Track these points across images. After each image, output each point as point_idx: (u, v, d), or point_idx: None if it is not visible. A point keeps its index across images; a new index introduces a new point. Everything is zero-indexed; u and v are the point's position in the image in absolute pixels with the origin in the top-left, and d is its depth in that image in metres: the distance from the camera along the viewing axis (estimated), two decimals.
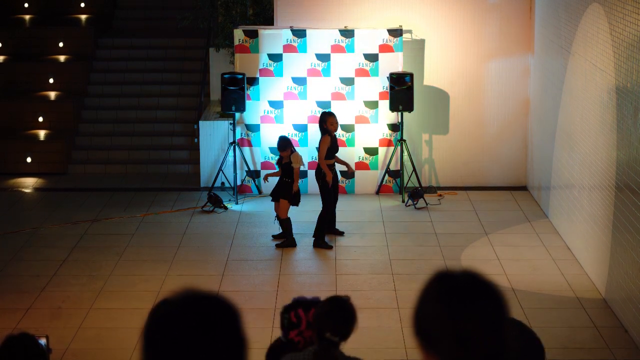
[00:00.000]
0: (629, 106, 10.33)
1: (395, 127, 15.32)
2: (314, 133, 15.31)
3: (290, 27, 15.35)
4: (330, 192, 13.12)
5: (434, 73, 15.60)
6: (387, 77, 15.06)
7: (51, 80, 18.47)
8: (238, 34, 15.34)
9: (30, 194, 15.82)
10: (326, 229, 13.15)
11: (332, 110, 15.15)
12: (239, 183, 15.23)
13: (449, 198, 15.30)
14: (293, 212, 13.85)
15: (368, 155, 15.41)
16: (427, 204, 14.79)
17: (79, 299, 11.35)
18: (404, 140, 15.18)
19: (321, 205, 13.11)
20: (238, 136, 15.30)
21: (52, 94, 18.34)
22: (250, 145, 15.41)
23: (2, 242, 13.36)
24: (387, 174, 15.45)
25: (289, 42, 15.27)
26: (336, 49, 15.25)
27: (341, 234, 13.40)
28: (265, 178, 13.47)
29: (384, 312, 10.94)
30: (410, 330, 2.62)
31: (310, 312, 5.54)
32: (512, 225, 13.97)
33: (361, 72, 15.29)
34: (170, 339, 2.47)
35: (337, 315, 5.44)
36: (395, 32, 15.18)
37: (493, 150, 15.81)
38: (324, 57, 15.27)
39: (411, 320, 2.61)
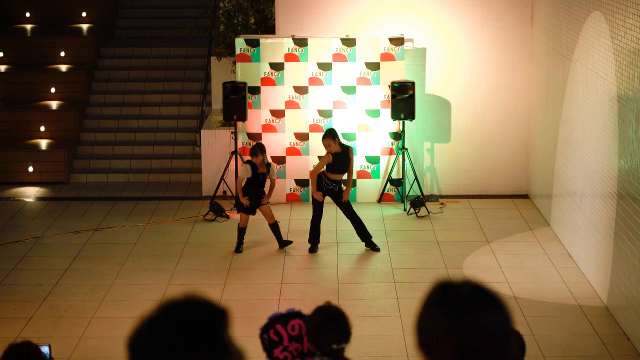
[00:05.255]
0: (630, 114, 10.33)
1: (397, 136, 15.33)
2: (316, 142, 15.32)
3: (292, 36, 15.37)
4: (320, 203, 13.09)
5: (436, 81, 15.62)
6: (389, 86, 15.07)
7: (53, 90, 18.49)
8: (239, 43, 15.36)
9: (32, 204, 15.82)
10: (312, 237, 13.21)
11: (334, 118, 15.19)
12: None
13: (450, 206, 15.30)
14: (295, 220, 13.85)
15: (370, 164, 15.41)
16: (429, 213, 14.79)
17: (81, 308, 11.35)
18: (406, 149, 15.19)
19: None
20: (240, 145, 15.31)
21: (54, 103, 18.35)
22: None
23: (4, 252, 13.36)
24: (389, 183, 15.45)
25: (290, 51, 15.28)
26: (338, 57, 15.27)
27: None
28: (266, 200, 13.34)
29: (386, 321, 10.93)
30: (413, 341, 2.61)
31: (289, 324, 5.48)
32: (514, 233, 13.97)
33: (363, 81, 15.30)
34: (156, 348, 2.44)
35: (333, 325, 5.43)
36: (397, 41, 15.20)
37: (495, 158, 15.81)
38: (325, 66, 15.29)
39: (414, 331, 2.60)
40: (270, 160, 13.71)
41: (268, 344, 5.43)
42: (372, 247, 13.21)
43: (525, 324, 10.53)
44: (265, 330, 5.46)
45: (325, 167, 12.99)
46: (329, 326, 5.40)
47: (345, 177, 13.13)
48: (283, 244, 13.28)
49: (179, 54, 19.36)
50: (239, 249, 13.22)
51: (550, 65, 14.28)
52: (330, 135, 12.91)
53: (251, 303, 11.41)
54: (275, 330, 5.41)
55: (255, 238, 13.63)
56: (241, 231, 13.21)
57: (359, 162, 15.37)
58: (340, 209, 13.17)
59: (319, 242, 13.22)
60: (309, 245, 13.21)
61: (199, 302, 2.48)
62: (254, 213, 13.18)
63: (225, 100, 14.92)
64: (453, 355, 2.49)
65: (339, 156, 12.91)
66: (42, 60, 19.30)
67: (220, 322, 2.47)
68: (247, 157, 13.61)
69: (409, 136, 15.40)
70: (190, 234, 14.03)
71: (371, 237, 13.24)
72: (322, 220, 13.13)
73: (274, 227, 13.21)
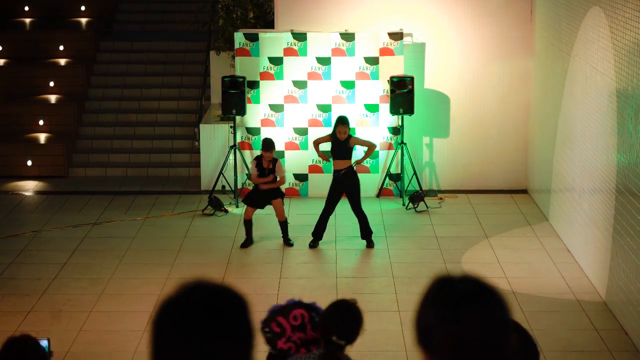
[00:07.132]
0: (629, 109, 10.33)
1: (396, 131, 15.33)
2: (315, 136, 15.32)
3: (291, 30, 15.36)
4: (331, 196, 13.09)
5: (435, 76, 15.61)
6: (388, 81, 15.06)
7: (52, 84, 18.48)
8: (239, 38, 15.35)
9: (31, 197, 15.82)
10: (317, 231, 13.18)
11: (333, 112, 15.18)
12: (239, 186, 15.23)
13: (449, 201, 15.30)
14: (294, 215, 13.85)
15: (369, 159, 15.39)
16: (427, 207, 14.80)
17: (80, 302, 11.35)
18: (405, 144, 15.19)
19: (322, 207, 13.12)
20: (238, 139, 15.31)
21: (53, 97, 18.35)
22: (250, 148, 15.42)
23: (3, 245, 13.36)
24: (387, 177, 15.45)
25: (289, 46, 15.28)
26: (337, 52, 15.26)
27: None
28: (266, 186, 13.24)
29: (384, 315, 10.94)
30: (412, 336, 2.61)
31: (291, 315, 5.47)
32: (513, 228, 13.97)
33: (362, 76, 15.30)
34: (179, 328, 2.47)
35: (343, 319, 5.44)
36: (396, 36, 15.19)
37: (494, 153, 15.81)
38: (324, 61, 15.28)
39: (412, 327, 2.60)
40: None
41: (271, 337, 5.41)
42: (368, 243, 13.20)
43: (524, 319, 10.53)
44: (266, 324, 5.45)
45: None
46: (337, 318, 5.41)
47: (345, 165, 13.05)
48: (287, 242, 13.27)
49: (178, 49, 19.35)
50: (247, 244, 13.17)
51: (549, 60, 14.28)
52: (346, 122, 12.96)
53: (250, 297, 11.33)
54: (277, 322, 5.40)
55: (254, 233, 13.61)
56: (247, 224, 13.16)
57: (357, 157, 15.34)
58: (350, 202, 13.12)
59: (321, 237, 13.19)
60: (311, 238, 13.19)
61: (217, 286, 2.55)
62: (262, 207, 13.14)
63: (224, 94, 14.92)
64: (451, 350, 2.49)
65: (342, 143, 12.91)
66: (41, 54, 19.29)
67: (244, 307, 2.55)
68: (247, 150, 13.55)
69: (407, 131, 15.40)
70: (189, 228, 14.03)
71: (372, 233, 13.21)
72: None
73: (283, 224, 13.20)
